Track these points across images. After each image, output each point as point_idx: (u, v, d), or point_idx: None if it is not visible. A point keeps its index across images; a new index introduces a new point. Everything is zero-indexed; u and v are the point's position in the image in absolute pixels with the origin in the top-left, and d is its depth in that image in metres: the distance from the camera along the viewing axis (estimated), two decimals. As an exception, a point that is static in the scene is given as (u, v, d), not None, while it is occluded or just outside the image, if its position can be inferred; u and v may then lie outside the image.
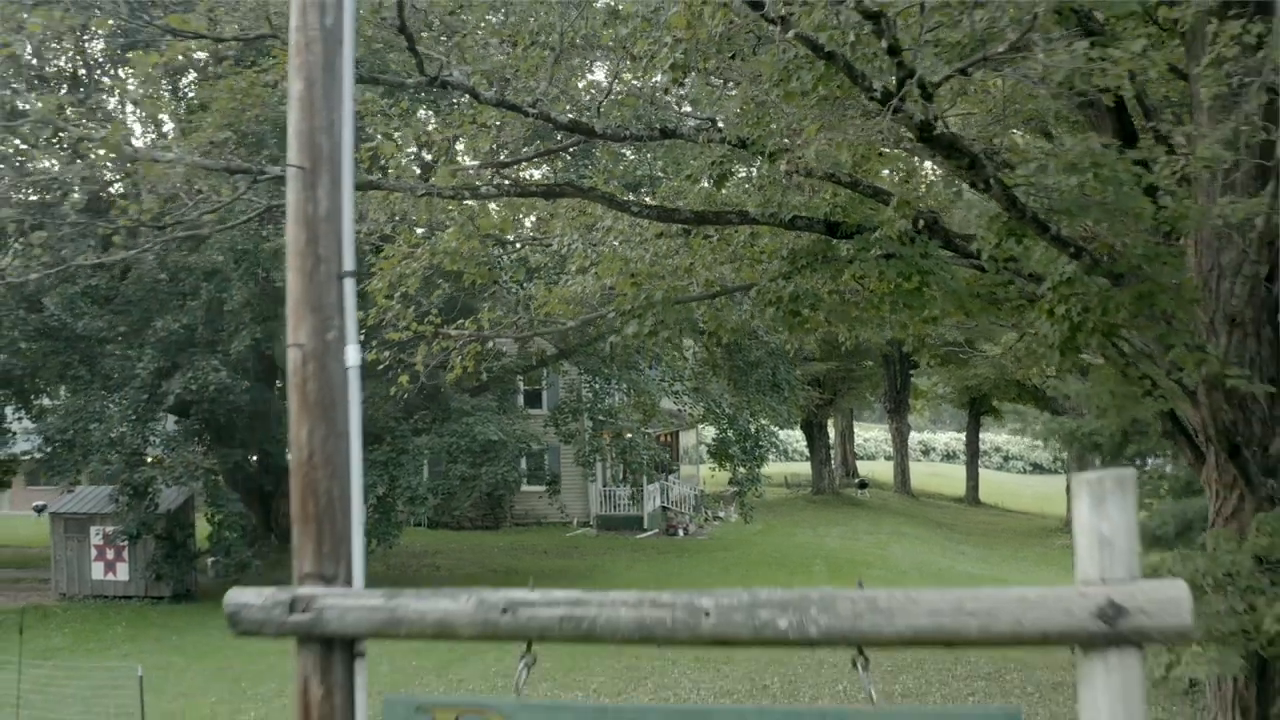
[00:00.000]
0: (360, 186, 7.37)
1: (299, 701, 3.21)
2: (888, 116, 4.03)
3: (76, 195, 6.96)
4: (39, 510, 39.40)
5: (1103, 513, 2.83)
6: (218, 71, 6.40)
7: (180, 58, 6.16)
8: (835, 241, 7.49)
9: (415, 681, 15.28)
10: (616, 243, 7.70)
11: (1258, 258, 8.16)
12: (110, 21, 5.80)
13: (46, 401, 26.52)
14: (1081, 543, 2.90)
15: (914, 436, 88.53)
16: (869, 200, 7.57)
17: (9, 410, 26.66)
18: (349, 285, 3.21)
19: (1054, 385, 18.49)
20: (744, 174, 8.56)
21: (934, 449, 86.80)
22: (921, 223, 6.92)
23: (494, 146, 6.40)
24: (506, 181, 6.84)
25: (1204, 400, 7.81)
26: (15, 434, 27.85)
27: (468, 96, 6.59)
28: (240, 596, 3.17)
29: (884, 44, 3.60)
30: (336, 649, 3.12)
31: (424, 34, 5.20)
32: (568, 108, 5.96)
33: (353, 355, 3.19)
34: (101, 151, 6.72)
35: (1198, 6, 5.19)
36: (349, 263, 3.21)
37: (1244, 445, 8.41)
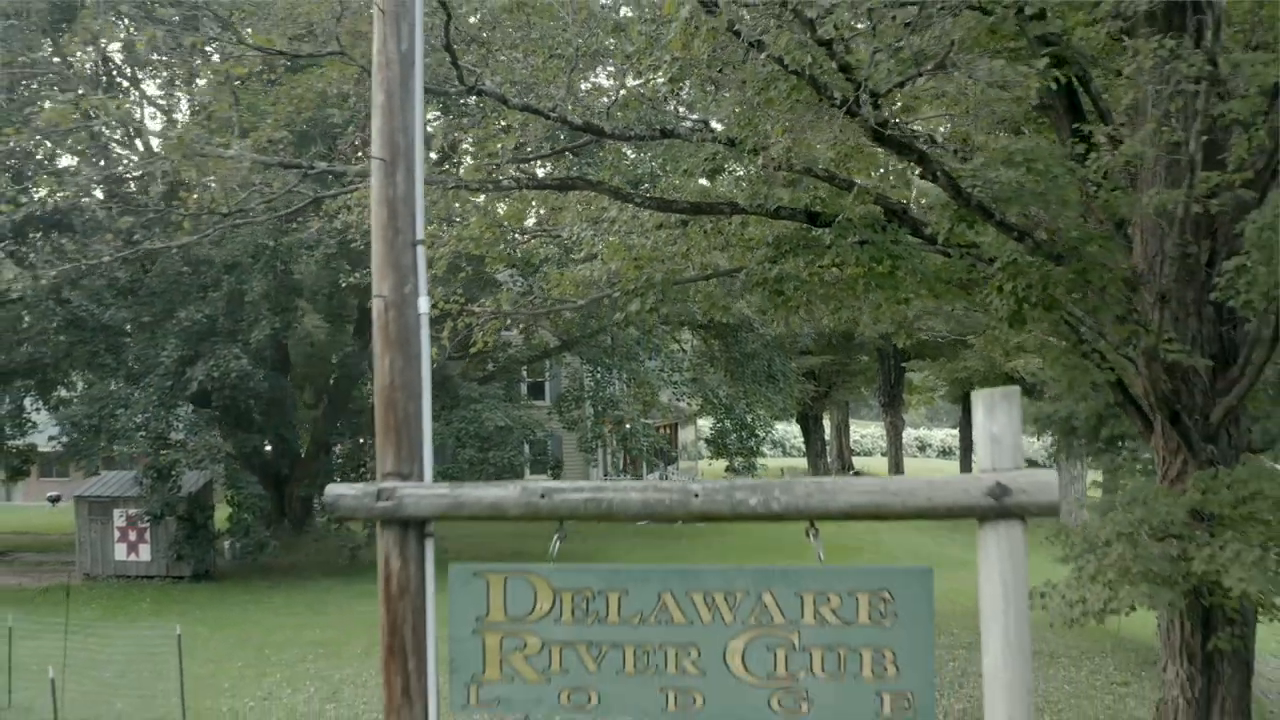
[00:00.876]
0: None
1: (381, 572, 4.14)
2: (838, 121, 4.94)
3: (160, 186, 7.71)
4: (53, 501, 40.38)
5: (993, 418, 3.76)
6: (271, 78, 7.32)
7: (243, 68, 7.06)
8: (815, 230, 8.42)
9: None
10: (621, 230, 8.62)
11: (1195, 244, 9.13)
12: (204, 42, 6.61)
13: (64, 392, 27.50)
14: (978, 440, 3.84)
15: (910, 433, 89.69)
16: (846, 193, 8.51)
17: (26, 401, 27.60)
18: (420, 251, 4.14)
19: (1033, 373, 19.47)
20: (736, 171, 9.50)
21: (930, 445, 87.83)
22: (886, 211, 7.84)
23: (518, 144, 7.33)
24: (523, 175, 7.77)
25: (1144, 371, 8.74)
26: (34, 424, 28.73)
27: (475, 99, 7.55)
28: (338, 489, 4.11)
29: (834, 64, 4.51)
30: (411, 529, 4.06)
31: (455, 45, 6.06)
32: (581, 111, 6.86)
33: (424, 304, 4.11)
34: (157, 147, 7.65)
35: (1109, 29, 6.11)
36: (420, 233, 4.13)
37: (1185, 413, 9.36)
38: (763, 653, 3.77)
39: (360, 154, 9.62)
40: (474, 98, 7.76)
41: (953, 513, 3.76)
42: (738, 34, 4.57)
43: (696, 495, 3.82)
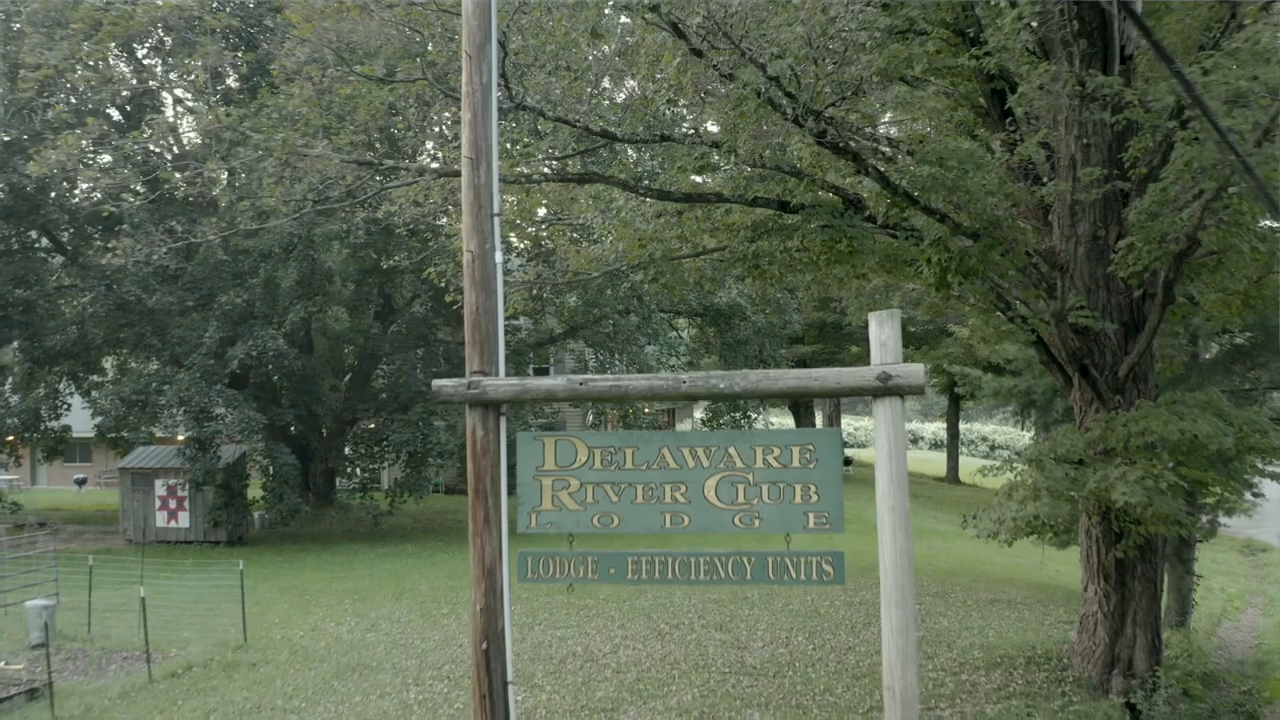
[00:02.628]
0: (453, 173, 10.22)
1: (469, 439, 6.01)
2: (789, 130, 6.82)
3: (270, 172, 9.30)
4: (80, 483, 42.23)
5: (882, 329, 5.65)
6: (349, 92, 9.12)
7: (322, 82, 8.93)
8: (786, 215, 10.31)
9: (459, 593, 18.07)
10: (627, 216, 10.50)
11: (1104, 228, 11.04)
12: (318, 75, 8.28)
13: (95, 378, 29.32)
14: (872, 344, 5.74)
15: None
16: (812, 186, 10.40)
17: (61, 386, 29.40)
18: (496, 221, 6.01)
19: (1007, 359, 21.39)
20: (722, 168, 11.37)
21: (922, 437, 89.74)
22: (844, 200, 9.73)
23: (549, 147, 9.19)
24: (551, 171, 9.64)
25: (1055, 332, 10.64)
26: (69, 406, 30.54)
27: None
28: (440, 382, 5.99)
29: (780, 92, 6.36)
30: (490, 409, 5.93)
31: (505, 72, 7.89)
32: (597, 120, 8.69)
33: (498, 256, 5.99)
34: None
35: (1000, 58, 7.99)
36: (496, 208, 6.01)
37: (1095, 369, 11.27)
38: (729, 487, 5.66)
39: (415, 154, 11.43)
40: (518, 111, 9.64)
41: (854, 391, 5.67)
42: (716, 68, 6.39)
43: (684, 382, 5.73)
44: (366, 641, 14.42)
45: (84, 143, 9.25)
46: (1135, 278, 10.04)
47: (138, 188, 17.57)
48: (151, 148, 19.43)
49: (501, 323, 6.05)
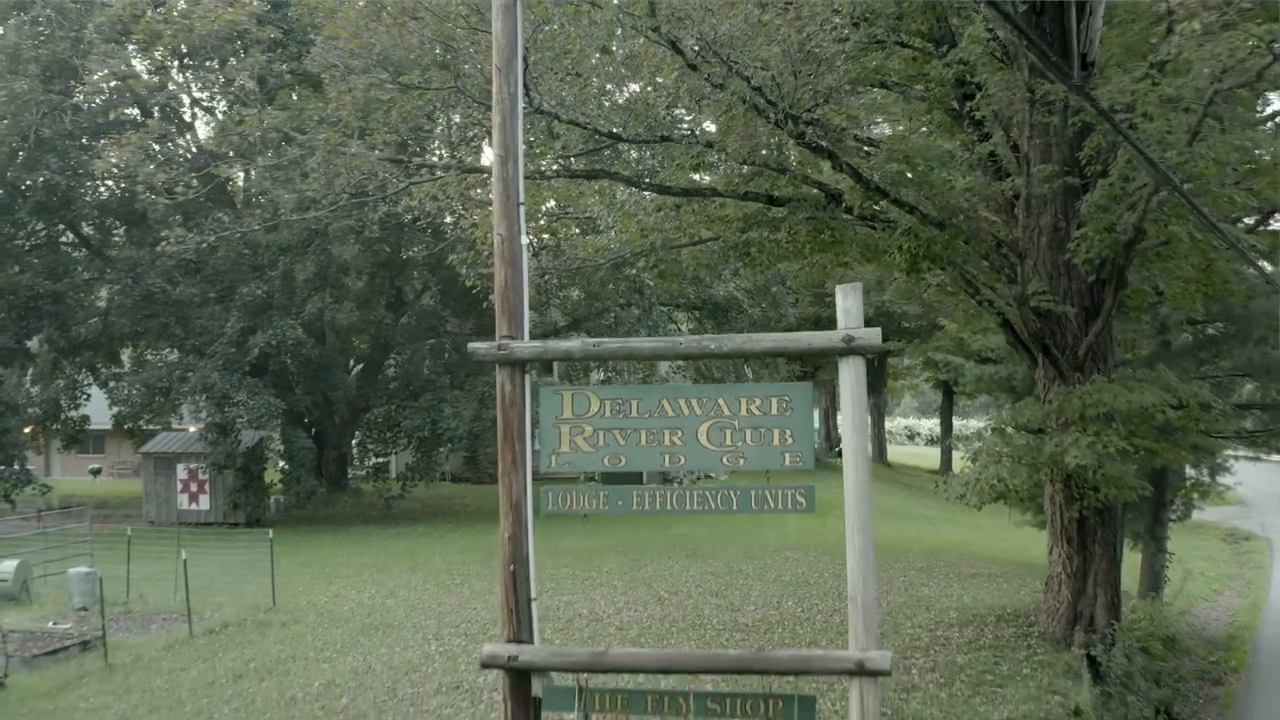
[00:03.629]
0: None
1: (499, 393, 7.08)
2: (771, 131, 7.90)
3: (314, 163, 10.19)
4: (94, 473, 43.32)
5: (847, 299, 6.73)
6: (388, 98, 10.18)
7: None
8: (774, 208, 11.39)
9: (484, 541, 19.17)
10: (630, 209, 11.59)
11: (1065, 220, 12.12)
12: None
13: (114, 368, 30.42)
14: (839, 312, 6.81)
15: (900, 422, 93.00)
16: (797, 182, 11.49)
17: (78, 377, 30.46)
18: (521, 209, 7.08)
19: (983, 343, 22.45)
20: (718, 165, 12.45)
21: (919, 434, 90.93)
22: (826, 194, 10.82)
23: (563, 146, 10.28)
24: (563, 168, 10.72)
25: (1017, 314, 11.73)
26: (89, 396, 31.61)
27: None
28: (475, 344, 7.06)
29: (763, 100, 7.43)
30: (517, 367, 7.01)
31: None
32: (605, 121, 9.77)
33: (524, 239, 7.06)
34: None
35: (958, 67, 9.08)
36: (521, 198, 7.08)
37: (1056, 349, 12.35)
38: (718, 431, 6.74)
39: (425, 152, 12.56)
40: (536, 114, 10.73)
41: (824, 352, 6.77)
42: (708, 79, 7.46)
43: (681, 343, 6.82)
44: (387, 606, 15.51)
45: (145, 140, 10.28)
46: (1089, 264, 11.13)
47: (192, 181, 18.60)
48: (206, 147, 20.54)
49: (526, 295, 7.12)
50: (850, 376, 6.70)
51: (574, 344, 6.96)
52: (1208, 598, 26.73)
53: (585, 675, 7.02)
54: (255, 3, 10.87)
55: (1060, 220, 12.07)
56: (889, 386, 53.64)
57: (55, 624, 14.28)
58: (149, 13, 11.15)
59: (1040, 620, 13.43)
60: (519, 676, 6.84)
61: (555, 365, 36.11)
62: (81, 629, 13.86)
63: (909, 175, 9.02)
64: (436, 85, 9.55)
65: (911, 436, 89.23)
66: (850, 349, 6.63)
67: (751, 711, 6.73)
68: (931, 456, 62.29)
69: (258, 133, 10.00)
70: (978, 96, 9.49)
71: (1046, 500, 13.31)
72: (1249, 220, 13.39)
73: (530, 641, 6.93)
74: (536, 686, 6.90)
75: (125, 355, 31.57)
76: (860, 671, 6.37)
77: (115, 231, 24.87)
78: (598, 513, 7.00)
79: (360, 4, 8.48)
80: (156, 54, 10.74)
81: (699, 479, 37.79)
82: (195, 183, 17.07)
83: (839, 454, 48.07)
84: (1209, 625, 22.53)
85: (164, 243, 13.49)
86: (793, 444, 6.70)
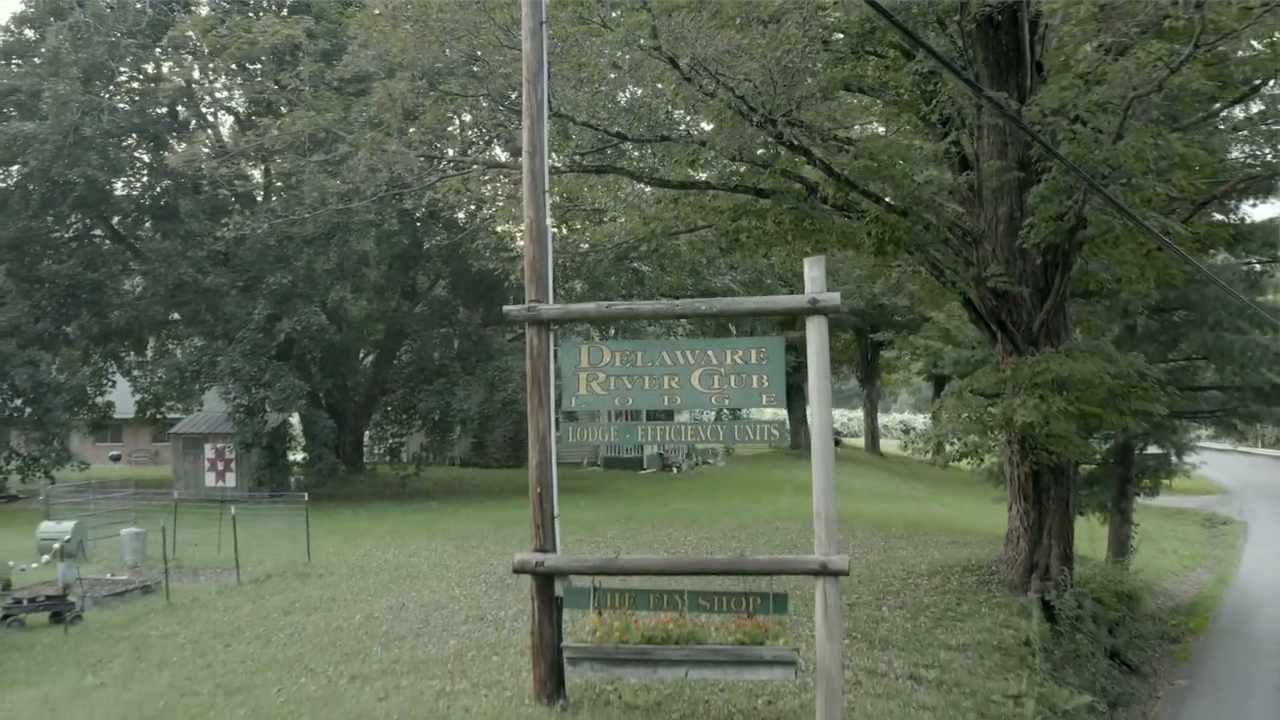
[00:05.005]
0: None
1: (529, 346, 8.61)
2: (754, 132, 9.42)
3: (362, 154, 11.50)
4: (115, 459, 44.87)
5: (812, 270, 8.29)
6: (430, 103, 11.68)
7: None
8: (760, 200, 12.91)
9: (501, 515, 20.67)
10: (633, 200, 13.14)
11: (1019, 210, 13.64)
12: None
13: (134, 356, 31.93)
14: (806, 280, 8.37)
15: (895, 417, 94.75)
16: (782, 177, 13.01)
17: (104, 365, 31.97)
18: (546, 197, 8.60)
19: (967, 331, 23.96)
20: (712, 162, 13.98)
21: (914, 428, 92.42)
22: (806, 187, 12.35)
23: (575, 145, 11.79)
24: (575, 164, 12.26)
25: (975, 293, 13.26)
26: (114, 383, 33.14)
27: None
28: (508, 307, 8.60)
29: (746, 107, 8.94)
30: (543, 326, 8.54)
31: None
32: (613, 123, 11.28)
33: (549, 222, 8.58)
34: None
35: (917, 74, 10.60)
36: (546, 186, 8.60)
37: (1012, 325, 13.86)
38: (708, 377, 8.26)
39: (448, 150, 14.06)
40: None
41: (794, 311, 8.30)
42: (701, 89, 8.96)
43: (677, 305, 8.35)
44: (411, 562, 17.04)
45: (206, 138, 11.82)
46: (1037, 249, 12.66)
47: (254, 174, 20.11)
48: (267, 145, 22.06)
49: (550, 266, 8.65)
50: (815, 332, 8.24)
51: (590, 306, 8.49)
52: (1179, 573, 28.26)
53: (598, 578, 8.57)
54: (307, 19, 12.40)
55: (1015, 210, 13.60)
56: (883, 379, 55.17)
57: (114, 576, 15.81)
58: (218, 28, 12.65)
59: (1000, 570, 14.96)
60: (544, 580, 8.41)
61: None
62: (138, 579, 15.40)
63: (875, 170, 10.52)
64: (471, 94, 11.07)
65: (907, 431, 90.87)
66: (814, 309, 8.18)
67: (735, 607, 8.30)
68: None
69: (309, 131, 11.50)
70: (934, 102, 11.01)
71: (1006, 462, 14.85)
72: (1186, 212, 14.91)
73: (554, 551, 8.49)
74: (558, 587, 8.46)
75: (149, 346, 33.11)
76: (824, 571, 7.93)
77: (143, 225, 26.39)
78: (608, 444, 8.54)
79: (408, 28, 9.96)
80: (218, 62, 12.16)
81: (697, 464, 39.38)
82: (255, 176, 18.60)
83: (834, 443, 49.69)
84: (1177, 596, 24.10)
85: (222, 229, 15.00)
86: (769, 387, 8.24)
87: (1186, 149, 10.29)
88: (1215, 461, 66.19)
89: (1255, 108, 15.64)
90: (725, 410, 8.20)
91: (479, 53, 10.25)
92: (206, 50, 12.37)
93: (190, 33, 12.68)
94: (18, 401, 24.91)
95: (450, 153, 18.03)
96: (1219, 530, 38.33)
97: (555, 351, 8.65)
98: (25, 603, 12.81)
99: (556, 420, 8.63)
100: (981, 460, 15.02)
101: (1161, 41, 9.05)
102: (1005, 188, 13.15)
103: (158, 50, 24.18)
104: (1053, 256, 13.29)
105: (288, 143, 11.88)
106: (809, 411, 6.85)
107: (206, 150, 13.06)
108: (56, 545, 13.13)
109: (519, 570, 8.49)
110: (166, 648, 11.42)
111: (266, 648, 11.09)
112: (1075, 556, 15.41)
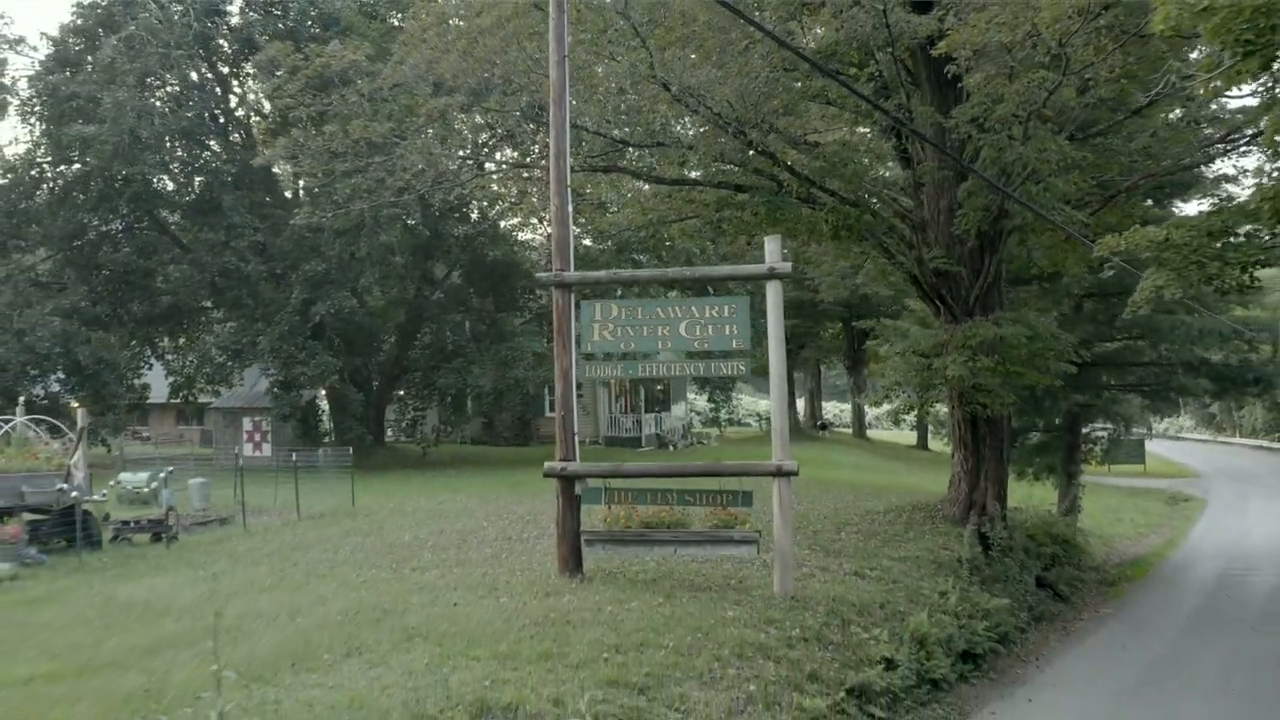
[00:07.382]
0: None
1: (555, 306, 11.25)
2: (730, 139, 12.09)
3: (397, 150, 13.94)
4: (145, 440, 47.44)
5: (771, 245, 10.98)
6: (463, 116, 14.20)
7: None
8: (739, 194, 15.55)
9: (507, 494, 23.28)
10: (633, 194, 15.79)
11: (958, 202, 16.29)
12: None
13: (167, 341, 34.51)
14: (765, 253, 11.05)
15: (886, 407, 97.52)
16: (757, 176, 15.64)
17: (140, 350, 34.55)
18: (568, 190, 11.22)
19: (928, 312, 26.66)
20: (698, 162, 16.64)
21: (905, 420, 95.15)
22: (777, 184, 15.01)
23: (586, 149, 14.45)
24: (586, 164, 14.95)
25: (918, 271, 15.92)
26: (150, 366, 35.71)
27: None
28: (541, 275, 11.25)
29: (720, 120, 11.60)
30: (568, 289, 11.18)
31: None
32: (616, 131, 13.89)
33: (569, 207, 11.21)
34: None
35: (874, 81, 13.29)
36: (567, 181, 11.23)
37: (951, 299, 16.52)
38: (692, 326, 10.91)
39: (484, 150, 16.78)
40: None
41: (756, 276, 10.96)
42: (687, 106, 11.58)
43: (668, 272, 11.00)
44: (442, 508, 19.70)
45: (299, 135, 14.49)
46: (967, 234, 15.33)
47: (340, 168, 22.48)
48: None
49: (571, 242, 11.28)
50: (773, 293, 10.89)
51: (602, 273, 11.13)
52: (1133, 538, 30.91)
53: (608, 480, 11.22)
54: (367, 45, 14.99)
55: (955, 202, 16.28)
56: (870, 368, 57.94)
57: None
58: (290, 56, 15.30)
59: (944, 508, 17.63)
60: (567, 481, 11.07)
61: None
62: (214, 514, 18.07)
63: (829, 169, 13.17)
64: (506, 109, 13.70)
65: (896, 421, 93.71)
66: (772, 275, 10.84)
67: (712, 501, 10.95)
68: (910, 438, 66.55)
69: (368, 137, 14.16)
70: (874, 115, 13.67)
71: (950, 417, 17.51)
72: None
73: (575, 460, 11.13)
74: (578, 487, 11.11)
75: (183, 332, 35.72)
76: (779, 473, 10.58)
77: (182, 219, 29.06)
78: (617, 376, 11.20)
79: (453, 56, 12.57)
80: (295, 83, 14.79)
81: (692, 444, 42.11)
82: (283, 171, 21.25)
83: (821, 428, 52.36)
84: (1126, 555, 26.75)
85: (296, 217, 17.70)
86: (738, 334, 10.91)
87: (1076, 152, 12.93)
88: (1193, 450, 69.00)
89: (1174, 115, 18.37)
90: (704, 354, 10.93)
91: (512, 77, 12.86)
92: (287, 72, 14.92)
93: (274, 55, 15.19)
94: (75, 377, 27.53)
95: (481, 153, 20.74)
96: (1181, 506, 40.84)
97: (575, 311, 11.29)
98: (132, 524, 15.48)
99: (575, 361, 11.27)
100: (926, 412, 17.65)
101: (1044, 71, 11.72)
102: (944, 183, 15.80)
103: (249, 68, 26.77)
104: (984, 241, 15.95)
105: (348, 146, 14.48)
106: (769, 355, 8.49)
107: (281, 153, 15.51)
108: (161, 476, 15.77)
109: (548, 474, 11.13)
110: (256, 556, 14.07)
111: (338, 553, 13.75)
112: (1009, 499, 18.07)
